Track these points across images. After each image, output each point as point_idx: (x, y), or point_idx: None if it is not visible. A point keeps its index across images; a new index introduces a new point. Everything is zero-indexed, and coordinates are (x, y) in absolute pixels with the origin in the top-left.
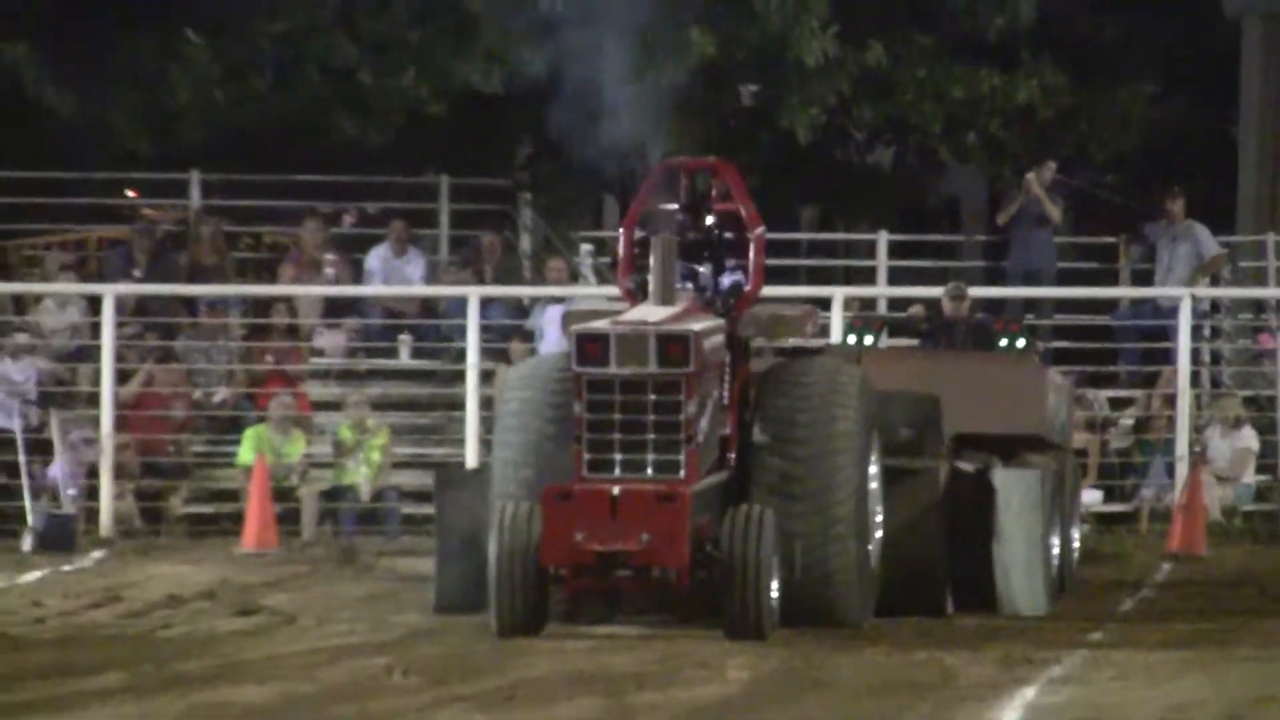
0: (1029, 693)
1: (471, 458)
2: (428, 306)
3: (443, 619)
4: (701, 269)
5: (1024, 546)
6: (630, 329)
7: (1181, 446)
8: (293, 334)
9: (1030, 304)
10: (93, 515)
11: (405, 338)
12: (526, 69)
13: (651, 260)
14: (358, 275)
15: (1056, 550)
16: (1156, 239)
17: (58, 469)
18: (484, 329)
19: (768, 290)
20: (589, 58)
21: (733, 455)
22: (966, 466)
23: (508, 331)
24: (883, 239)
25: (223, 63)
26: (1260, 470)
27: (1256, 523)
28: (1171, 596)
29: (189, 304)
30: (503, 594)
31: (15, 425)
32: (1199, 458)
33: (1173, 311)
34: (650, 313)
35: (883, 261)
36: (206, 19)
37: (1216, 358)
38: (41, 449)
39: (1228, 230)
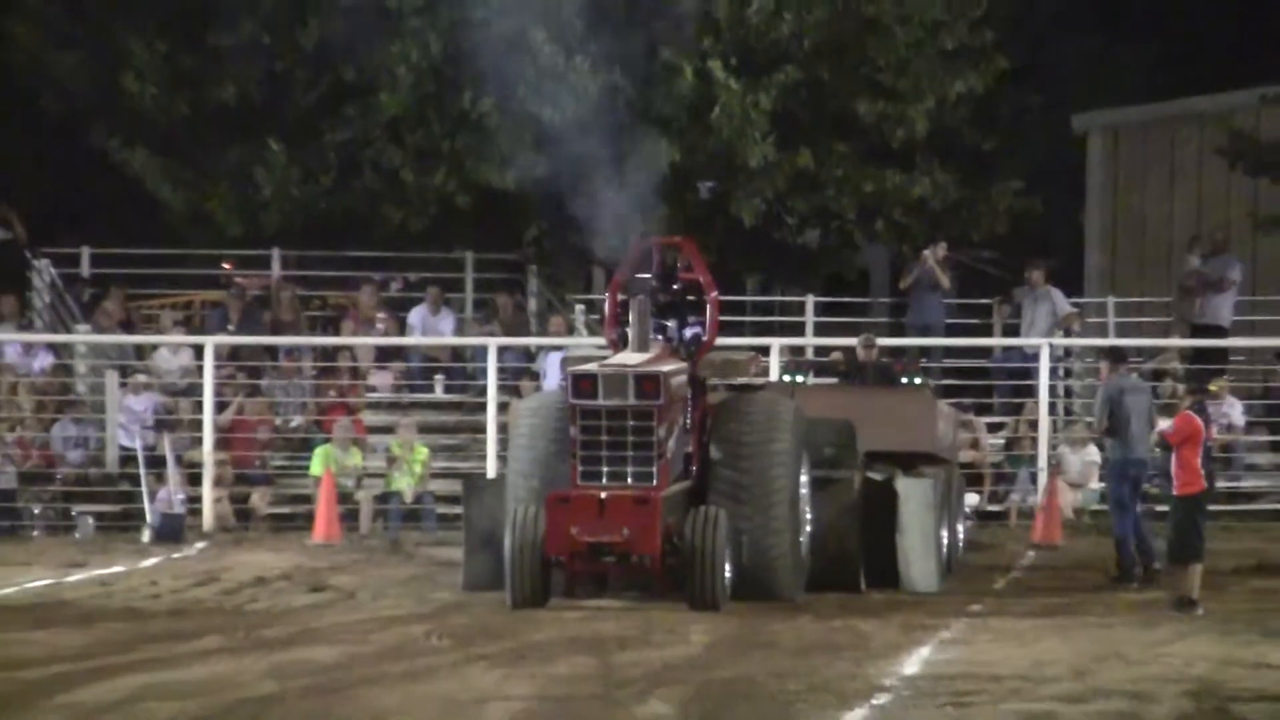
0: (924, 651)
1: (491, 470)
2: (456, 353)
3: (469, 596)
4: (669, 324)
5: (920, 538)
6: (614, 370)
7: (1042, 460)
8: (352, 374)
9: (924, 351)
10: (196, 514)
11: (439, 377)
12: (533, 171)
13: (631, 317)
14: (402, 329)
15: (945, 541)
16: (1022, 301)
17: (169, 479)
18: (500, 371)
19: (720, 340)
20: (580, 162)
21: (694, 468)
22: (875, 476)
23: (519, 373)
24: (810, 301)
25: (297, 165)
26: (1102, 478)
27: (1099, 519)
28: (1034, 577)
29: (271, 351)
30: (515, 576)
31: (137, 445)
32: (1055, 469)
33: (1035, 357)
34: (629, 358)
35: (810, 318)
36: (285, 131)
37: (1068, 392)
38: (157, 464)
39: (1077, 294)
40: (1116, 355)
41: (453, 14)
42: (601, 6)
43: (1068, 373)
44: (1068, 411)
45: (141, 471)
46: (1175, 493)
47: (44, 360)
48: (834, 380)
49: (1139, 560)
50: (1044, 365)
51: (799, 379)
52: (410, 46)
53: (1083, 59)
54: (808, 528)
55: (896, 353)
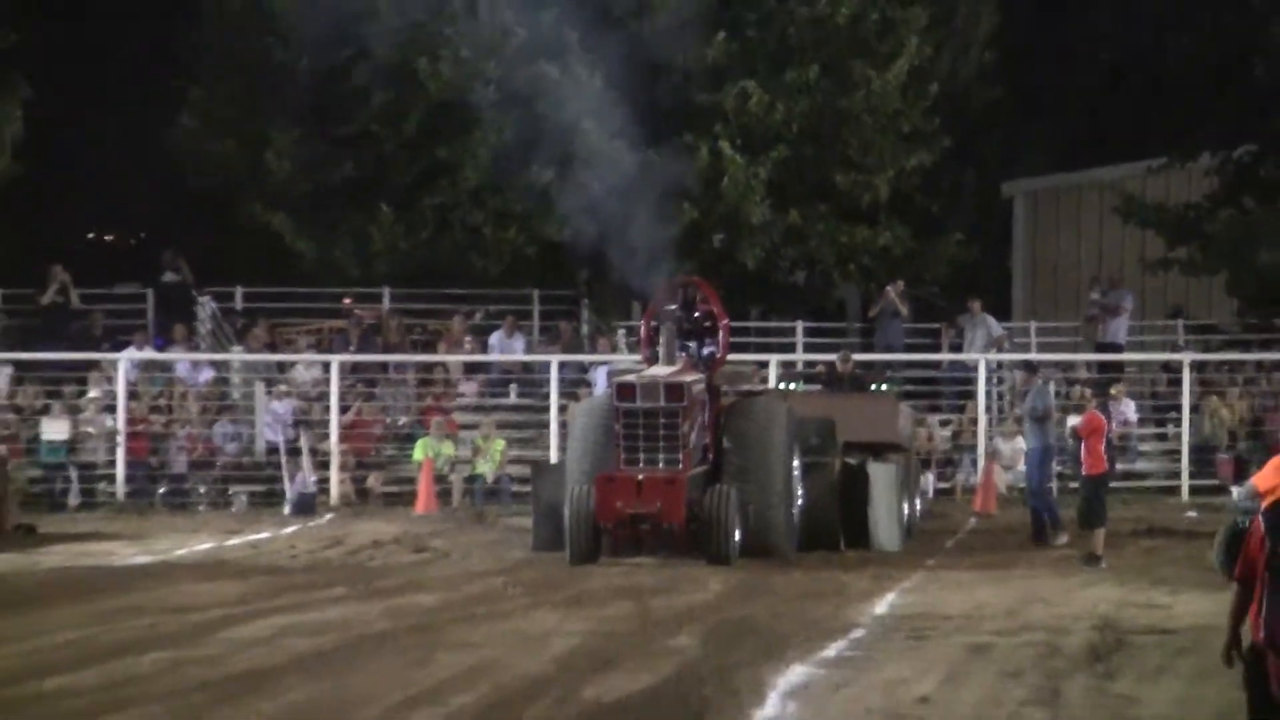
0: (890, 596)
1: (553, 457)
2: (526, 367)
3: (537, 555)
4: (691, 344)
5: (886, 509)
6: (648, 380)
7: (980, 448)
8: (445, 384)
9: (888, 365)
10: (325, 493)
11: (513, 386)
12: (584, 228)
13: (661, 339)
14: (484, 348)
15: (906, 511)
16: (963, 325)
17: (304, 465)
18: (560, 380)
19: (730, 357)
20: (620, 221)
21: (711, 455)
22: (851, 461)
23: (575, 382)
24: (799, 326)
25: (402, 224)
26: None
27: (1025, 494)
28: (975, 539)
29: (383, 366)
30: (573, 539)
31: (279, 439)
32: (991, 455)
33: (974, 368)
34: (660, 370)
35: (799, 340)
36: (392, 198)
37: (1000, 396)
38: (294, 454)
39: (1006, 320)
40: (1029, 367)
41: (521, 108)
42: (637, 101)
43: (1000, 380)
44: (1000, 411)
45: (283, 460)
46: (1084, 473)
47: (207, 374)
48: (818, 387)
49: (1049, 525)
50: (981, 375)
51: (791, 386)
52: (488, 133)
53: (1008, 140)
54: (799, 501)
55: (867, 366)
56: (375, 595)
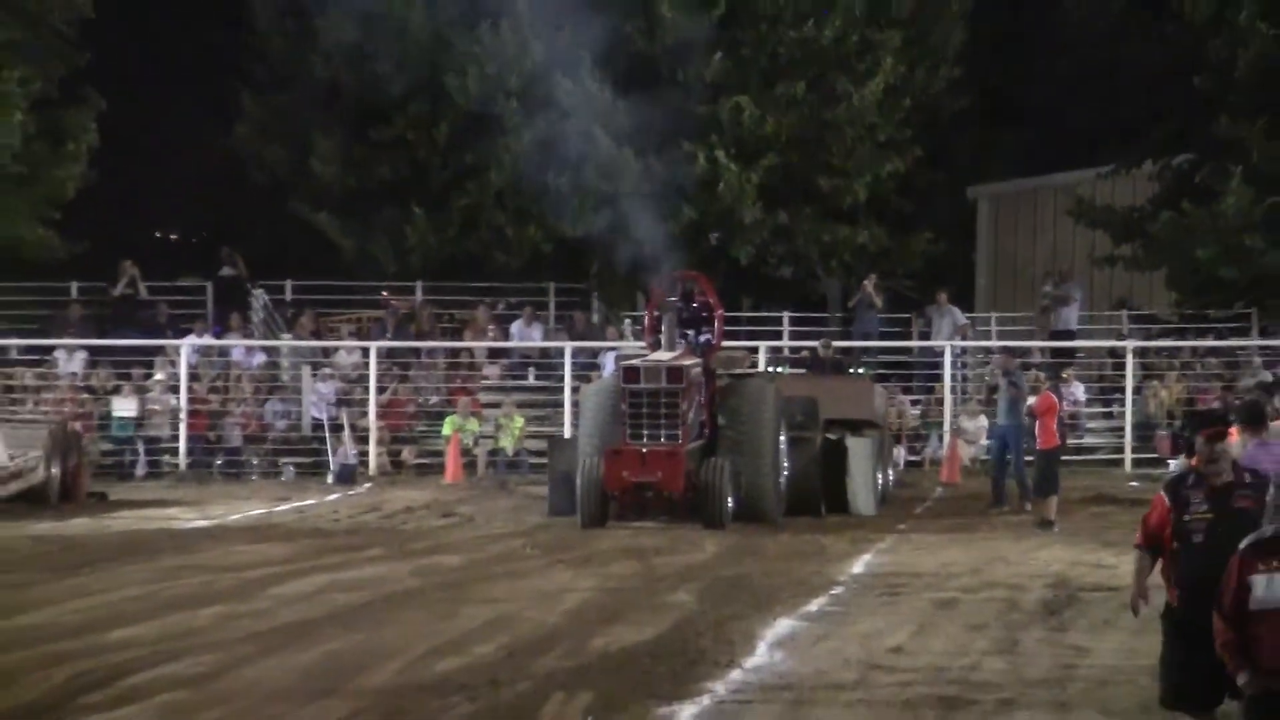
0: (867, 557)
1: (567, 432)
2: (543, 353)
3: (552, 519)
4: (689, 332)
5: (863, 478)
6: (651, 364)
7: (946, 425)
8: (471, 367)
9: (865, 350)
10: (364, 464)
11: (532, 369)
12: (595, 226)
13: (663, 327)
14: (506, 335)
15: (881, 481)
16: (931, 315)
17: (346, 440)
18: (573, 364)
19: (725, 344)
20: (627, 220)
21: (707, 431)
22: (832, 436)
23: (586, 366)
24: (785, 316)
25: (433, 223)
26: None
27: (986, 467)
28: (942, 506)
29: (415, 351)
30: (584, 505)
31: (324, 416)
32: (955, 431)
33: (941, 354)
34: (662, 355)
35: (786, 328)
36: (424, 199)
37: (964, 379)
38: (336, 429)
39: (970, 311)
40: (1012, 351)
41: (540, 118)
42: (642, 112)
43: (964, 365)
44: (963, 392)
45: (326, 435)
46: (1038, 447)
47: (259, 358)
48: (803, 370)
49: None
50: (948, 360)
51: (778, 370)
52: (511, 140)
53: (973, 148)
54: (785, 471)
55: (846, 352)
56: (407, 555)
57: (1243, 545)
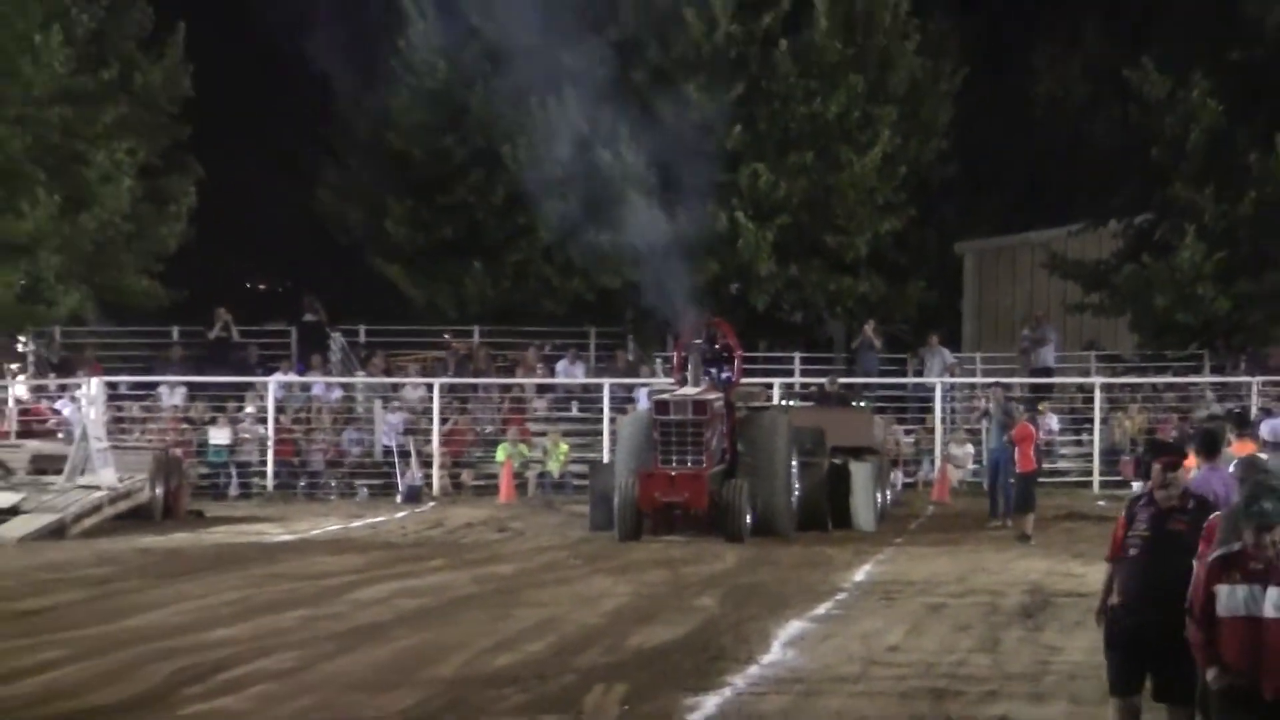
0: (867, 567)
1: (606, 457)
2: (585, 388)
3: (593, 534)
4: (712, 370)
5: (864, 498)
6: (680, 398)
7: (937, 452)
8: (522, 401)
9: (865, 386)
10: (429, 486)
11: (575, 402)
12: (631, 277)
13: (689, 366)
14: (553, 373)
15: (880, 500)
16: (925, 355)
17: (412, 464)
18: (611, 399)
19: (743, 380)
20: (659, 272)
21: (728, 456)
22: (837, 461)
23: (623, 400)
24: (796, 356)
25: (490, 276)
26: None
27: (973, 490)
28: (933, 522)
29: (473, 387)
30: (621, 521)
31: (393, 444)
32: (945, 457)
33: (933, 389)
34: (689, 391)
35: (797, 367)
36: (482, 254)
37: (953, 411)
38: (405, 455)
39: (957, 351)
40: (1004, 386)
41: (582, 183)
42: (671, 178)
43: (953, 399)
44: (952, 422)
45: (395, 460)
46: (1018, 471)
47: (337, 393)
48: (811, 404)
49: (999, 510)
50: (938, 394)
51: (790, 403)
52: (557, 203)
53: (960, 209)
54: (796, 492)
55: (849, 387)
56: (466, 565)
57: (1210, 556)
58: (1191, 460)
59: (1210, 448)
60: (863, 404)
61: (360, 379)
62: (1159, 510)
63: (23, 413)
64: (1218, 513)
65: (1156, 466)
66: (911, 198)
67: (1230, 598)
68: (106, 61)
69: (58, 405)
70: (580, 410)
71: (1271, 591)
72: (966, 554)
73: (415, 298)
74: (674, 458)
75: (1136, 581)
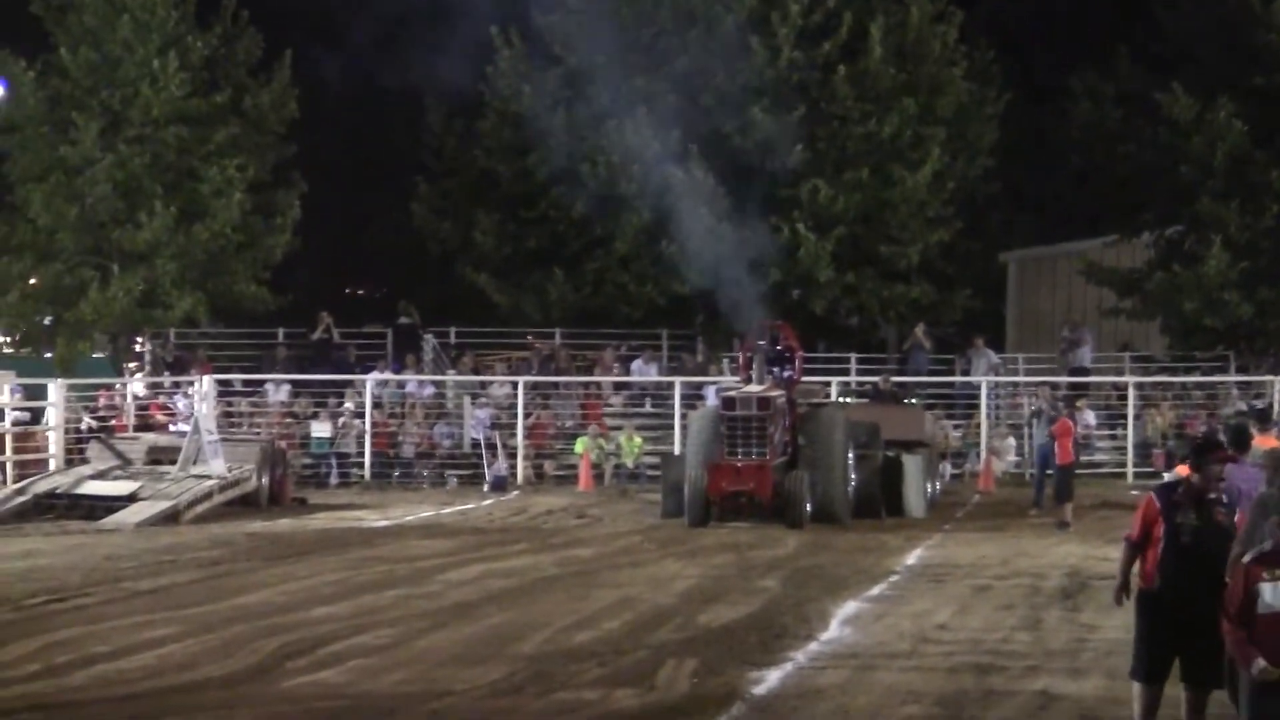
0: (919, 551)
1: (677, 450)
2: (658, 386)
3: (665, 520)
4: (775, 369)
5: (916, 488)
6: (745, 394)
7: (983, 445)
8: (599, 398)
9: (916, 384)
10: (514, 475)
11: (649, 399)
12: (700, 284)
13: (754, 365)
14: (628, 372)
15: (930, 490)
16: (971, 356)
17: (499, 456)
18: (682, 396)
19: (804, 379)
20: (726, 279)
21: (790, 449)
22: (891, 453)
23: (693, 397)
24: (853, 357)
25: (570, 283)
26: (1019, 454)
27: (1016, 480)
28: (979, 510)
29: (555, 385)
30: (691, 509)
31: (481, 437)
32: (991, 449)
33: (979, 387)
34: (753, 388)
35: (854, 366)
36: (564, 263)
37: (997, 407)
38: (492, 447)
39: (1001, 352)
40: (1054, 387)
41: (655, 198)
42: (738, 194)
43: (998, 397)
44: (996, 418)
45: (483, 451)
46: (1057, 463)
47: (429, 390)
48: (866, 401)
49: (1036, 498)
50: (984, 392)
51: (847, 400)
52: (632, 216)
53: (1004, 222)
54: (853, 482)
55: (901, 385)
56: (548, 549)
57: (1248, 557)
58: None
59: (1240, 443)
60: (914, 401)
61: (451, 377)
62: (1200, 501)
63: (140, 408)
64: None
65: (1213, 462)
66: (959, 211)
67: (1275, 595)
68: (219, 86)
69: (172, 401)
70: (653, 406)
71: None
72: (1009, 539)
73: (501, 303)
74: (739, 450)
75: (1186, 566)
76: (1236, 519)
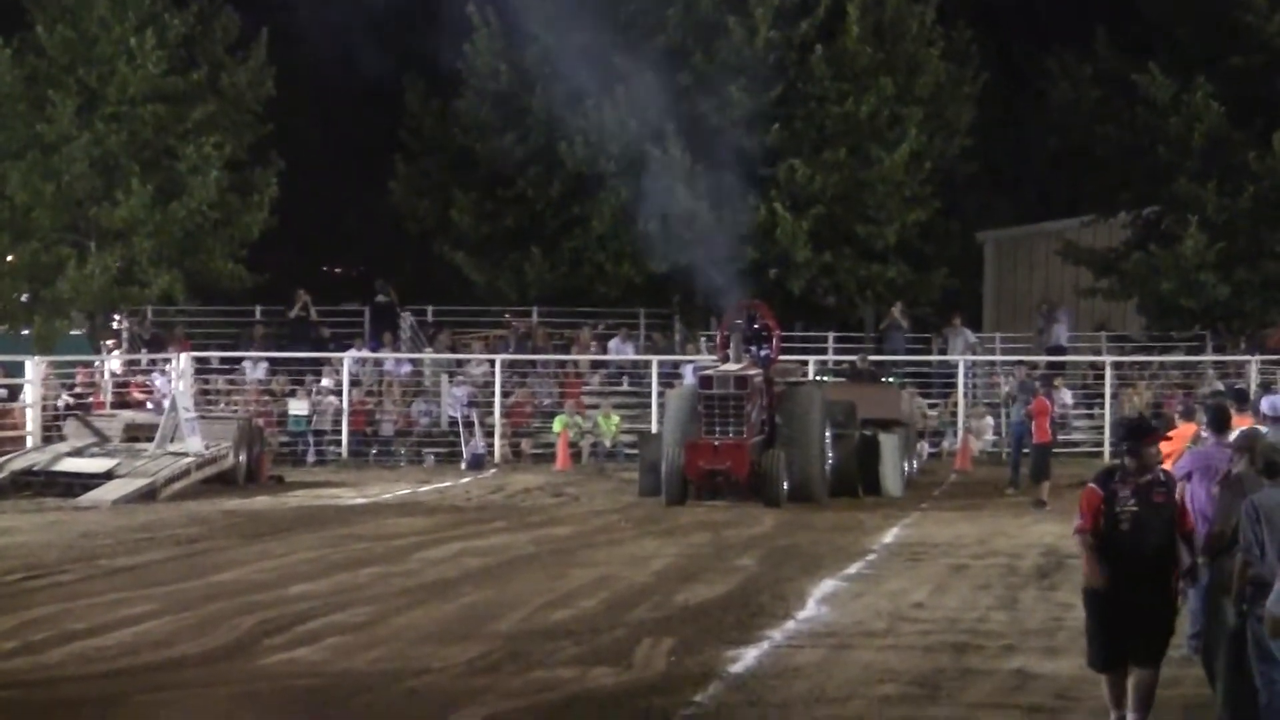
0: (895, 530)
1: (654, 428)
2: (635, 365)
3: (642, 499)
4: (753, 348)
5: (893, 467)
6: (722, 373)
7: (960, 424)
8: (577, 376)
9: (893, 363)
10: (491, 454)
11: (626, 378)
12: (678, 263)
13: (731, 344)
14: (605, 351)
15: (907, 468)
16: (948, 335)
17: (476, 434)
18: (660, 374)
19: (781, 358)
20: (703, 258)
21: (767, 428)
22: (868, 432)
23: (670, 376)
24: (830, 336)
25: (547, 261)
26: (997, 433)
27: (993, 459)
28: (956, 489)
29: (532, 363)
30: (668, 487)
31: (459, 415)
32: (967, 429)
33: (956, 366)
34: (731, 367)
35: (831, 345)
36: (541, 242)
37: (974, 386)
38: (469, 425)
39: (979, 331)
40: (1032, 366)
41: (633, 177)
42: (715, 173)
43: (974, 375)
44: (974, 397)
45: (460, 429)
46: (1034, 442)
47: (406, 368)
48: (843, 379)
49: (1012, 478)
50: (961, 371)
51: (824, 379)
52: (610, 195)
53: (981, 202)
54: (830, 461)
55: (878, 364)
56: (526, 527)
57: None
58: (1189, 431)
59: (1221, 424)
60: (891, 380)
61: (428, 355)
62: (1139, 484)
63: (118, 386)
64: (1179, 480)
65: (1143, 445)
66: (936, 191)
67: None
68: (196, 64)
69: (150, 379)
70: (630, 385)
71: None
72: (986, 518)
73: (479, 281)
74: (717, 429)
75: (1129, 553)
76: (1177, 495)
